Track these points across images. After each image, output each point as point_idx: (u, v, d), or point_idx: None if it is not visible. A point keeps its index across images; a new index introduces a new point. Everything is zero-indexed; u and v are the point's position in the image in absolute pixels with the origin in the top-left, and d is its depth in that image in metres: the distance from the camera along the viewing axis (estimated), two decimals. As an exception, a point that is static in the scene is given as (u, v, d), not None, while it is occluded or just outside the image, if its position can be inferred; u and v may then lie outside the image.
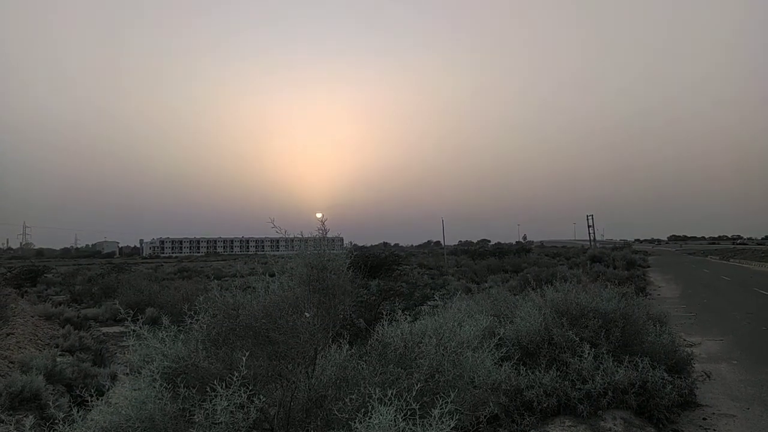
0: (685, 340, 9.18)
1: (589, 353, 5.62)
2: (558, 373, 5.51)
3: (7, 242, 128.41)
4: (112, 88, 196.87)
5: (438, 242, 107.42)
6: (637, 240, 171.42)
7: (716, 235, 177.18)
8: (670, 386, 5.69)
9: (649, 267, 39.31)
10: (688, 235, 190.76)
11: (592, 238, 77.39)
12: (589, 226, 77.17)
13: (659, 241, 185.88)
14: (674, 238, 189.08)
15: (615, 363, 5.63)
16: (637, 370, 5.64)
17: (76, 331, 12.10)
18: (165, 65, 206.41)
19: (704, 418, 5.86)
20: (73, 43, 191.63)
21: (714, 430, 5.54)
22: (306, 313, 3.87)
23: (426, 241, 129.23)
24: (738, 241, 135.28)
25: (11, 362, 8.52)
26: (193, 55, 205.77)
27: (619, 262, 32.30)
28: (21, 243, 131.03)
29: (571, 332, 5.98)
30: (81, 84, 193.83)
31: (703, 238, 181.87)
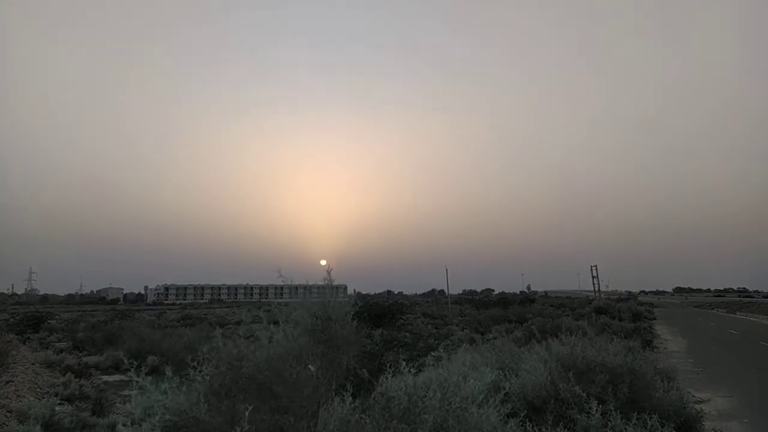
0: (693, 396, 8.98)
1: (596, 410, 5.51)
2: (565, 431, 5.39)
3: (12, 288, 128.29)
4: (117, 136, 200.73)
5: (442, 291, 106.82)
6: (642, 291, 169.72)
7: (722, 288, 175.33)
8: (681, 445, 5.56)
9: (655, 319, 38.83)
10: (694, 287, 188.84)
11: (596, 288, 76.72)
12: (593, 277, 76.61)
13: (664, 293, 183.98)
14: (679, 290, 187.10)
15: (623, 420, 5.51)
16: (646, 428, 5.51)
17: (77, 379, 11.94)
18: (170, 114, 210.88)
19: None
20: (79, 90, 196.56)
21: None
22: (310, 366, 3.84)
23: (430, 289, 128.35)
24: (744, 294, 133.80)
25: (9, 411, 8.39)
26: (197, 104, 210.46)
27: (625, 314, 31.91)
28: (26, 289, 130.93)
29: (577, 387, 5.88)
30: (85, 131, 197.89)
31: (709, 290, 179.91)
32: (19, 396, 9.67)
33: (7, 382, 10.52)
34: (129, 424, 3.79)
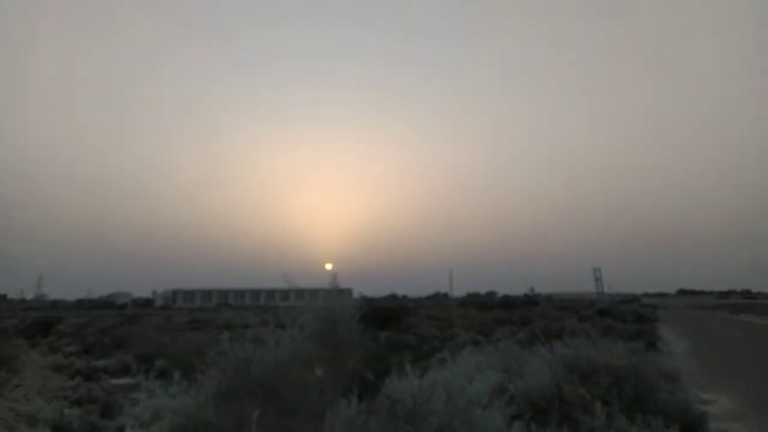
0: (698, 397, 8.99)
1: (601, 411, 5.54)
2: (570, 432, 5.43)
3: (22, 293, 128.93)
4: (124, 141, 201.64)
5: (446, 294, 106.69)
6: (645, 293, 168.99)
7: (725, 290, 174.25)
8: (685, 446, 5.58)
9: (658, 321, 38.72)
10: (697, 289, 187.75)
11: (600, 290, 76.71)
12: (597, 279, 76.71)
13: (667, 295, 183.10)
14: (682, 292, 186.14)
15: (628, 421, 5.54)
16: (651, 429, 5.54)
17: (86, 382, 12.04)
18: (178, 119, 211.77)
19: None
20: (86, 92, 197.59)
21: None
22: (317, 370, 3.90)
23: (434, 292, 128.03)
24: (748, 296, 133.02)
25: (18, 414, 8.48)
26: (206, 107, 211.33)
27: (629, 316, 31.83)
28: (35, 294, 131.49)
29: (582, 389, 5.92)
30: (92, 136, 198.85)
31: (712, 292, 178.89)
32: (28, 399, 9.77)
33: (16, 386, 10.62)
34: (138, 426, 3.86)
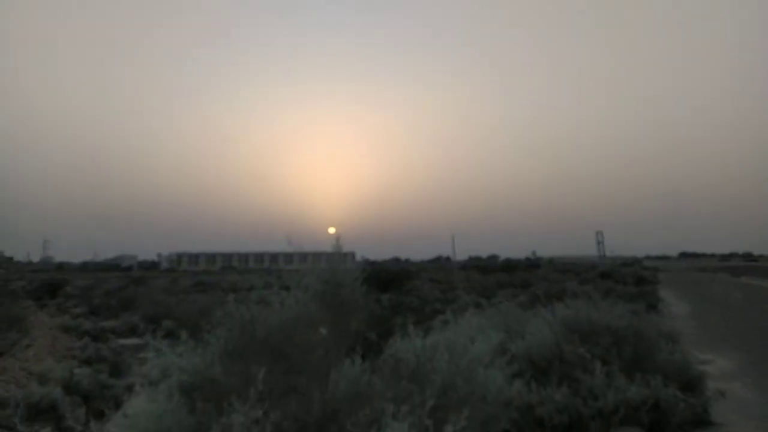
0: (697, 357, 9.11)
1: (600, 370, 5.63)
2: (569, 390, 5.53)
3: (28, 255, 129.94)
4: (126, 106, 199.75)
5: (448, 257, 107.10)
6: (647, 256, 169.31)
7: (727, 252, 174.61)
8: (683, 404, 5.67)
9: (659, 283, 38.91)
10: (699, 252, 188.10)
11: (601, 254, 77.07)
12: (599, 242, 76.98)
13: (669, 258, 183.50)
14: (684, 255, 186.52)
15: (627, 380, 5.64)
16: (650, 388, 5.64)
17: (94, 343, 12.25)
18: (180, 82, 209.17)
19: (717, 437, 5.83)
20: (89, 61, 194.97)
21: (727, 449, 5.52)
22: (321, 330, 3.95)
23: (436, 256, 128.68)
24: (749, 258, 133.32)
25: (30, 373, 8.66)
26: (208, 72, 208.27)
27: (629, 279, 32.01)
28: (42, 256, 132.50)
29: (582, 349, 6.00)
30: (95, 100, 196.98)
31: (714, 255, 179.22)
32: (38, 359, 9.96)
33: (27, 346, 10.83)
34: (147, 384, 3.93)
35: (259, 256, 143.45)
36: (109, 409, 3.78)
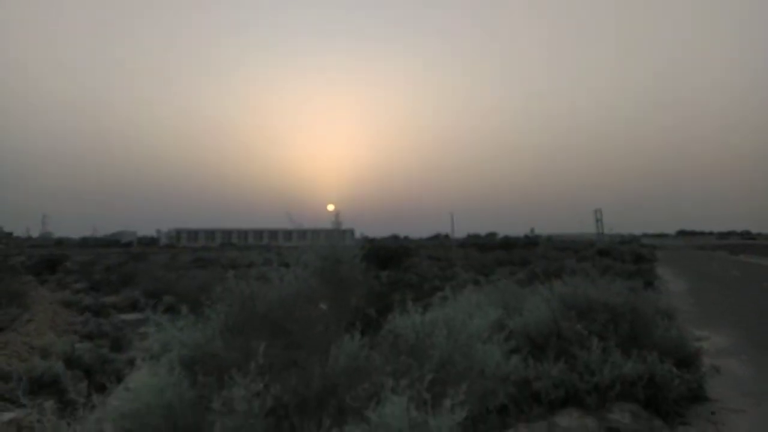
0: (694, 334, 9.20)
1: (597, 346, 5.69)
2: (566, 366, 5.58)
3: (27, 231, 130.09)
4: (124, 81, 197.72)
5: (447, 235, 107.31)
6: (645, 234, 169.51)
7: (725, 230, 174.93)
8: (679, 380, 5.74)
9: (657, 261, 39.03)
10: (697, 230, 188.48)
11: (600, 231, 77.19)
12: (597, 220, 77.06)
13: (667, 236, 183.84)
14: (682, 233, 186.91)
15: (623, 356, 5.69)
16: (646, 364, 5.70)
17: (95, 317, 12.33)
18: (178, 58, 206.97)
19: (713, 412, 5.90)
20: (88, 35, 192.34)
21: (723, 424, 5.58)
22: (321, 305, 3.98)
23: (435, 233, 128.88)
24: (747, 236, 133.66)
25: (31, 347, 8.74)
26: (208, 50, 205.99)
27: (627, 256, 32.14)
28: (41, 232, 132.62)
29: (579, 325, 6.05)
30: (94, 76, 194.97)
31: (712, 233, 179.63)
32: (39, 333, 10.03)
33: (28, 321, 10.90)
34: (148, 358, 3.96)
35: (258, 233, 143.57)
36: (111, 382, 3.80)
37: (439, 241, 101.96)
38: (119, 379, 4.94)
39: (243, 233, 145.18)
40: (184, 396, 3.52)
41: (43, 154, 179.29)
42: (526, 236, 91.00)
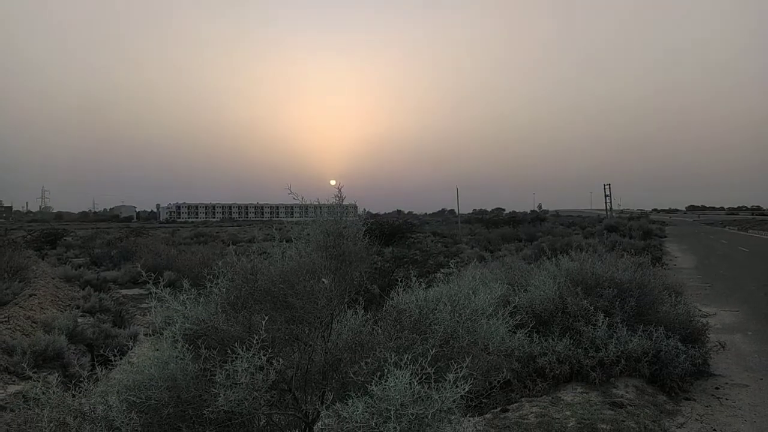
0: (700, 310, 9.16)
1: (603, 322, 5.64)
2: (571, 341, 5.55)
3: (27, 205, 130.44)
4: (126, 57, 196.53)
5: (452, 210, 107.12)
6: (655, 210, 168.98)
7: (735, 206, 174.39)
8: (684, 356, 5.70)
9: (665, 237, 38.93)
10: (707, 205, 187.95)
11: (608, 207, 76.70)
12: (606, 196, 76.41)
13: (677, 211, 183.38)
14: (692, 208, 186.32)
15: (629, 332, 5.65)
16: (651, 340, 5.66)
17: (96, 292, 12.35)
18: (179, 34, 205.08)
19: (717, 388, 5.89)
20: (89, 13, 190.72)
21: (726, 399, 5.57)
22: (324, 279, 3.91)
23: (440, 209, 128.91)
24: (758, 212, 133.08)
25: (34, 322, 8.76)
26: (208, 24, 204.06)
27: (636, 232, 32.05)
28: (40, 206, 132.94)
29: (585, 301, 5.99)
30: (96, 53, 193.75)
31: (722, 208, 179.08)
32: (42, 308, 10.06)
33: (30, 296, 10.92)
34: (150, 333, 3.93)
35: (260, 208, 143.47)
36: (114, 357, 3.77)
37: (444, 217, 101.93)
38: (122, 354, 4.93)
39: (244, 208, 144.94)
40: (187, 369, 3.48)
41: (42, 127, 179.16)
42: (534, 212, 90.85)
